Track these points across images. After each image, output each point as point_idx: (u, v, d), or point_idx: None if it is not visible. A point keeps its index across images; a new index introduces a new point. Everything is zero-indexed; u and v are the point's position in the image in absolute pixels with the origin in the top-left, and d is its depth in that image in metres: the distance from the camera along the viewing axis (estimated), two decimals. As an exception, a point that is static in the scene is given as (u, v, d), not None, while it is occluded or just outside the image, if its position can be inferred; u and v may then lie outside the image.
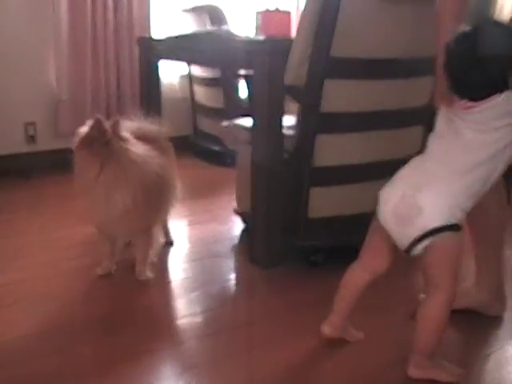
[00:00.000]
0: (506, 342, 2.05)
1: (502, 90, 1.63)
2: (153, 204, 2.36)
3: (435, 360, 1.80)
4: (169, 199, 2.54)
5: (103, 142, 2.19)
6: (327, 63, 2.31)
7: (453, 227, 1.68)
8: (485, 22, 1.81)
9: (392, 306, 2.28)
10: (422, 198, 1.68)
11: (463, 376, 1.81)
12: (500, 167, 1.72)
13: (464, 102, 1.68)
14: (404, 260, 1.82)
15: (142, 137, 2.38)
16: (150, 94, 3.43)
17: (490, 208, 2.06)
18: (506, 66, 1.63)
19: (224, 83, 4.38)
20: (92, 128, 2.20)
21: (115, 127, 2.23)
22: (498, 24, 1.77)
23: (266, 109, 2.43)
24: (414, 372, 1.80)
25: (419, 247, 1.70)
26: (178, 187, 2.62)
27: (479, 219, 2.07)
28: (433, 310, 1.75)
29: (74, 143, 2.24)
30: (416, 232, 1.69)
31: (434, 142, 1.78)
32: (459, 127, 1.70)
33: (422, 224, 1.68)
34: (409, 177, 1.77)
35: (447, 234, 1.68)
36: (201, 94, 4.83)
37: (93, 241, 2.67)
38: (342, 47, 2.31)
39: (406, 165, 1.81)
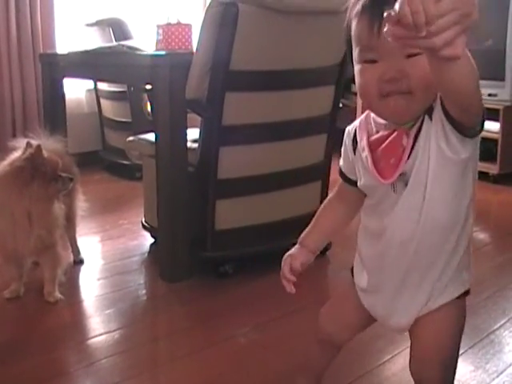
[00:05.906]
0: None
1: None
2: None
3: None
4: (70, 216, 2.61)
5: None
6: (227, 76, 2.34)
7: None
8: None
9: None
10: None
11: None
12: None
13: None
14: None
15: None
16: (54, 111, 3.38)
17: None
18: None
19: (130, 97, 4.36)
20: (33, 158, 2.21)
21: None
22: None
23: (168, 123, 2.44)
24: None
25: None
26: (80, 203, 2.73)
27: None
28: None
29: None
30: None
31: None
32: None
33: None
34: None
35: None
36: (108, 108, 4.79)
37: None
38: (241, 60, 2.35)
39: None
